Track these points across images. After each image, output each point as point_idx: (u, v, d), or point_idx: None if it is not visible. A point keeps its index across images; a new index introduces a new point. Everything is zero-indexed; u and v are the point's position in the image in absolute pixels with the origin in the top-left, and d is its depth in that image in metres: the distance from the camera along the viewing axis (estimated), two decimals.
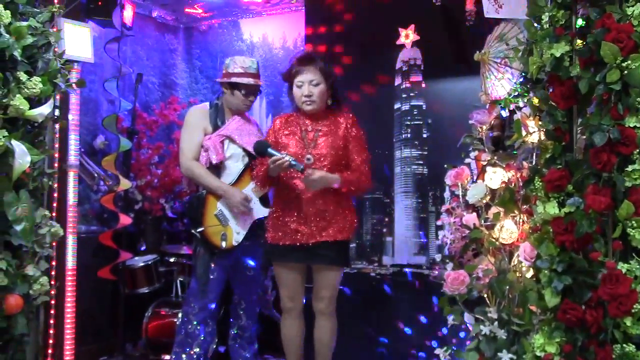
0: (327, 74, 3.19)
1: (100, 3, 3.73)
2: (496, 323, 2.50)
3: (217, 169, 3.55)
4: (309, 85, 3.16)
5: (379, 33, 4.37)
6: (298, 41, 5.03)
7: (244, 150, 3.55)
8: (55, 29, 2.77)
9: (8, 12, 2.36)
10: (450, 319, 2.70)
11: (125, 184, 4.00)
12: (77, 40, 3.31)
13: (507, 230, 2.57)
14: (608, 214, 1.99)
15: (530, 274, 2.41)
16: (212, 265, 3.52)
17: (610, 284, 1.91)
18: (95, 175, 4.18)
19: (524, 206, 2.51)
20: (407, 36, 4.16)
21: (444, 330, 3.59)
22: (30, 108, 2.39)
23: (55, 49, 2.67)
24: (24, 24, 2.46)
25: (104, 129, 4.30)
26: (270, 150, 3.10)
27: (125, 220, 4.03)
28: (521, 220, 2.56)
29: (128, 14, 4.18)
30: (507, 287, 2.51)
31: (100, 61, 4.29)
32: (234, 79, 3.53)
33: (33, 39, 2.49)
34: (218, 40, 5.52)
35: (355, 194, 3.32)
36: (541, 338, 2.10)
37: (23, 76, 2.40)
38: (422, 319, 3.99)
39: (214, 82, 5.32)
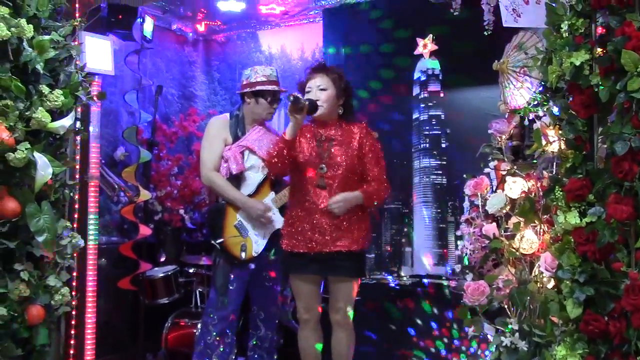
0: (336, 80, 3.19)
1: (120, 17, 3.78)
2: (517, 334, 2.47)
3: (237, 179, 3.56)
4: (316, 90, 3.17)
5: (397, 43, 4.38)
6: (316, 52, 5.06)
7: (264, 161, 3.55)
8: (76, 42, 2.81)
9: (31, 26, 2.40)
10: (471, 331, 2.68)
11: (145, 195, 4.04)
12: (98, 53, 3.36)
13: (528, 240, 2.55)
14: (630, 223, 1.96)
15: (551, 284, 2.38)
16: (232, 276, 3.53)
17: (633, 295, 1.88)
18: (116, 186, 4.22)
19: (545, 216, 2.49)
20: (425, 46, 4.16)
21: (461, 342, 3.56)
22: (52, 120, 2.43)
23: (77, 62, 2.71)
24: (47, 37, 2.50)
25: (124, 141, 4.35)
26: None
27: (145, 231, 4.06)
28: (542, 230, 2.54)
29: (148, 27, 4.23)
30: (528, 297, 2.49)
31: (120, 73, 4.34)
32: (258, 88, 3.56)
33: (55, 53, 2.53)
34: (237, 52, 5.57)
35: (377, 206, 3.32)
36: (563, 350, 2.07)
37: (45, 89, 2.44)
38: (442, 330, 3.96)
39: (233, 93, 5.36)
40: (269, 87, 3.57)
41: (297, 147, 3.20)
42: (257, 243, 3.53)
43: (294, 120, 3.03)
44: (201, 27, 5.42)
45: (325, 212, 3.12)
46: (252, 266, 3.57)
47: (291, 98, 2.95)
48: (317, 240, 3.13)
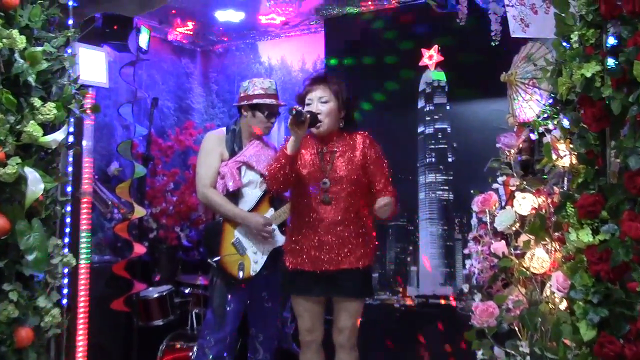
0: (337, 92, 3.19)
1: (115, 27, 3.81)
2: (528, 358, 2.45)
3: (234, 196, 3.56)
4: (317, 103, 3.16)
5: (401, 54, 4.40)
6: (317, 63, 5.09)
7: (262, 176, 3.56)
8: (70, 54, 2.82)
9: (23, 37, 2.41)
10: (479, 354, 2.66)
11: (139, 211, 4.03)
12: (92, 64, 3.38)
13: (538, 259, 2.54)
14: None
15: (563, 305, 2.37)
16: (229, 297, 3.52)
17: None
18: (109, 202, 4.22)
19: (556, 233, 2.48)
20: (431, 57, 4.18)
21: None
22: (44, 134, 2.43)
23: (70, 74, 2.72)
24: (39, 49, 2.51)
25: (119, 155, 4.36)
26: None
27: (139, 249, 4.05)
28: (553, 249, 2.53)
29: (144, 37, 4.25)
30: (539, 319, 2.47)
31: (115, 86, 4.36)
32: (255, 101, 3.57)
33: (48, 64, 2.54)
34: (235, 63, 5.60)
35: (389, 219, 3.27)
36: None
37: (37, 102, 2.44)
38: (450, 353, 3.94)
39: (232, 106, 5.38)
40: (267, 101, 3.58)
41: (299, 161, 3.19)
42: (255, 261, 3.52)
43: (295, 134, 3.03)
44: (199, 38, 5.45)
45: (330, 228, 3.11)
46: (251, 286, 3.56)
47: (293, 112, 2.95)
48: (323, 258, 3.12)
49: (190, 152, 5.31)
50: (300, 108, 3.04)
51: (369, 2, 4.50)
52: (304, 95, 3.22)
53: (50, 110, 2.45)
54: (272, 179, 3.16)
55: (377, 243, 3.26)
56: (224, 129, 3.74)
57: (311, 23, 5.02)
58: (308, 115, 3.03)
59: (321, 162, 3.19)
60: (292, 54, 5.32)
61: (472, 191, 2.96)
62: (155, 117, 4.72)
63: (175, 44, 5.46)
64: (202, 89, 5.72)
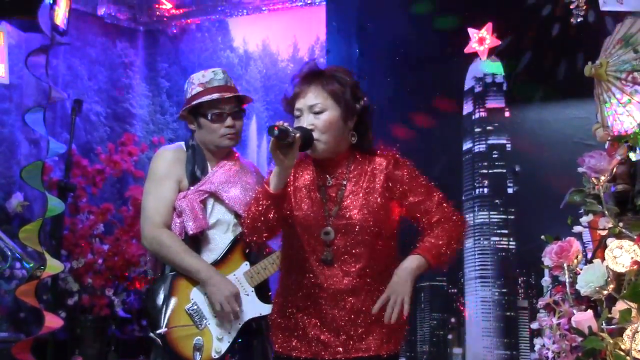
0: (336, 93, 3.10)
1: None
2: None
3: (195, 241, 3.54)
4: (308, 114, 3.09)
5: (438, 37, 4.41)
6: (316, 49, 5.10)
7: (236, 214, 3.54)
8: None
9: None
10: None
11: (54, 267, 4.01)
12: None
13: None
14: None
15: None
16: None
17: None
18: (9, 253, 4.20)
19: None
20: (482, 40, 4.19)
21: None
22: None
23: None
24: None
25: (23, 184, 4.35)
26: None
27: (53, 322, 4.03)
28: None
29: (61, 11, 4.26)
30: None
31: (19, 82, 4.36)
32: (194, 103, 3.55)
33: None
34: (196, 49, 5.62)
35: (452, 257, 3.11)
36: None
37: None
38: None
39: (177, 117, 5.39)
40: (205, 98, 3.55)
41: (290, 199, 3.14)
42: (219, 338, 3.49)
43: (281, 163, 2.94)
44: (142, 13, 5.48)
45: (338, 299, 3.04)
46: None
47: (274, 131, 2.84)
48: (328, 341, 3.07)
49: (128, 180, 5.31)
50: (284, 124, 2.94)
51: None
52: (291, 100, 3.17)
53: None
54: (251, 228, 3.11)
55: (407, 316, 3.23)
56: (182, 143, 3.73)
57: None
58: (297, 135, 2.95)
59: (323, 201, 3.15)
60: (279, 36, 5.33)
61: (542, 237, 2.95)
62: (78, 127, 4.71)
63: (108, 20, 5.49)
64: (147, 86, 5.73)
